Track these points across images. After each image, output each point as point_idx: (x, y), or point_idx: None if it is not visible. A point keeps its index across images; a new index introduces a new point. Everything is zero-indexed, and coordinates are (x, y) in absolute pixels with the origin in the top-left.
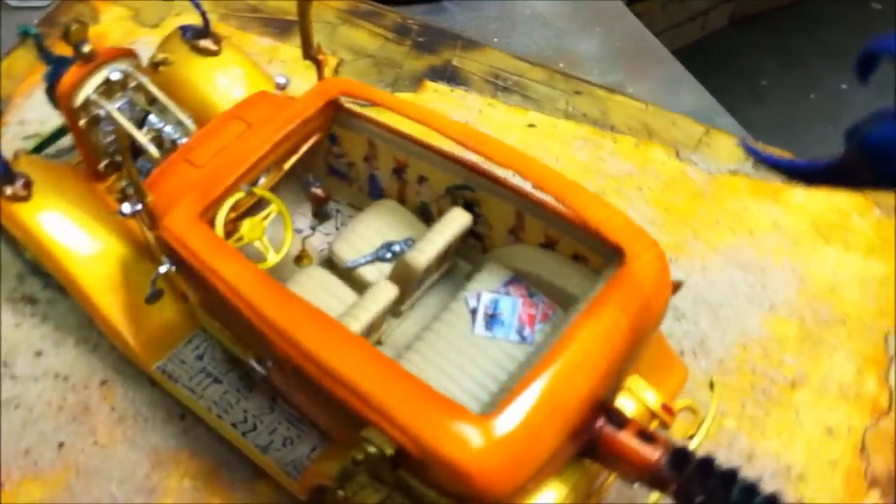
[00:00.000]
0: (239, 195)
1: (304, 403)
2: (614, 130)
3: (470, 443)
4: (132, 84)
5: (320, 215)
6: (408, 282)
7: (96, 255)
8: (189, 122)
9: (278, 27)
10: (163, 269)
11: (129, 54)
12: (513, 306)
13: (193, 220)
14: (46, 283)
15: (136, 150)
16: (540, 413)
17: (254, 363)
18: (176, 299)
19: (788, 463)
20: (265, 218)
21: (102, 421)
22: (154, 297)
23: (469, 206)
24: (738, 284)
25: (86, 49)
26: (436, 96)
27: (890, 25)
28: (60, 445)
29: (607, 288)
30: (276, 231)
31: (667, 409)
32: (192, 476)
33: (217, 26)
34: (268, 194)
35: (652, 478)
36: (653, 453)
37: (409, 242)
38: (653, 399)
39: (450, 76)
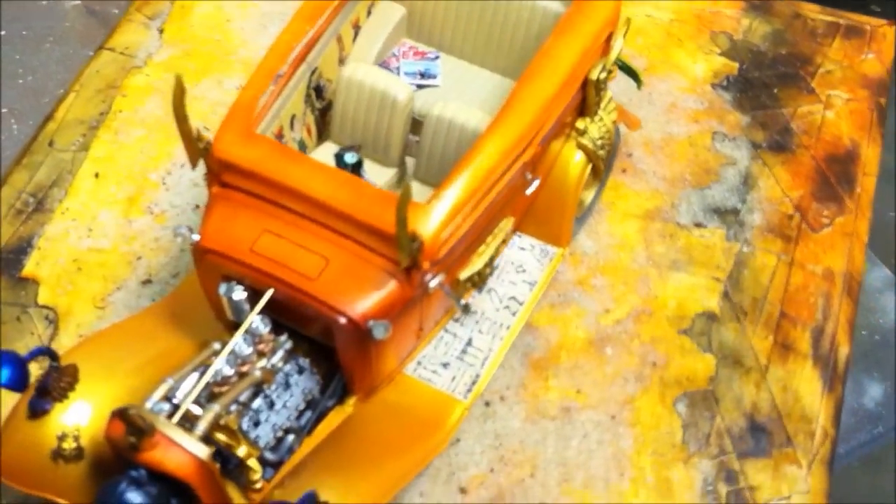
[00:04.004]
0: None
1: None
2: None
3: None
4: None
5: None
6: None
7: None
8: (219, 345)
9: None
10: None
11: None
12: (404, 63)
13: (425, 208)
14: None
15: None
16: None
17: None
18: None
19: None
20: None
21: None
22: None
23: (319, 88)
24: None
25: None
26: None
27: None
28: None
29: None
30: None
31: None
32: None
33: None
34: None
35: None
36: None
37: (356, 150)
38: None
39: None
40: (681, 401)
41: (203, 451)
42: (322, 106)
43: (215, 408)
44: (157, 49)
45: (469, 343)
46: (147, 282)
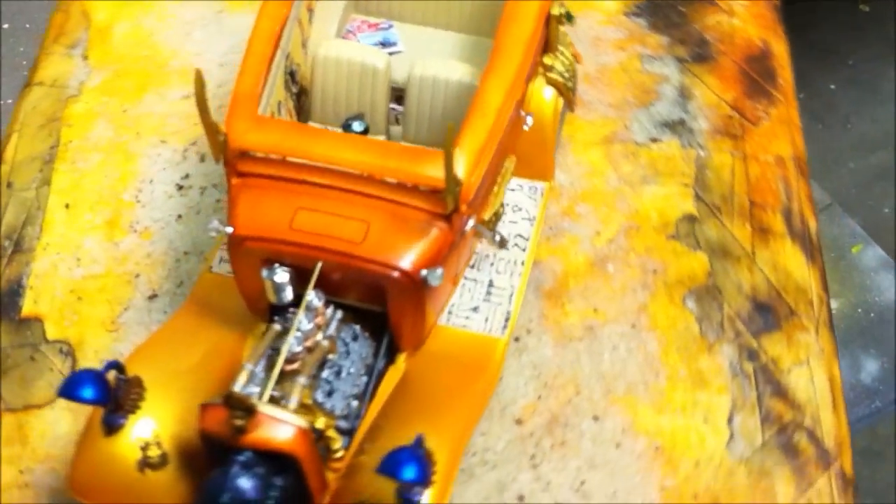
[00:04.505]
0: None
1: None
2: None
3: None
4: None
5: None
6: None
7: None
8: (279, 326)
9: None
10: (472, 223)
11: None
12: (362, 36)
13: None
14: None
15: None
16: None
17: None
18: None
19: None
20: None
21: None
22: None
23: (293, 73)
24: None
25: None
26: None
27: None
28: None
29: None
30: None
31: None
32: None
33: None
34: None
35: None
36: None
37: (361, 118)
38: None
39: None
40: (688, 298)
41: (304, 423)
42: (297, 90)
43: (301, 380)
44: (87, 75)
45: (491, 284)
46: (153, 297)
